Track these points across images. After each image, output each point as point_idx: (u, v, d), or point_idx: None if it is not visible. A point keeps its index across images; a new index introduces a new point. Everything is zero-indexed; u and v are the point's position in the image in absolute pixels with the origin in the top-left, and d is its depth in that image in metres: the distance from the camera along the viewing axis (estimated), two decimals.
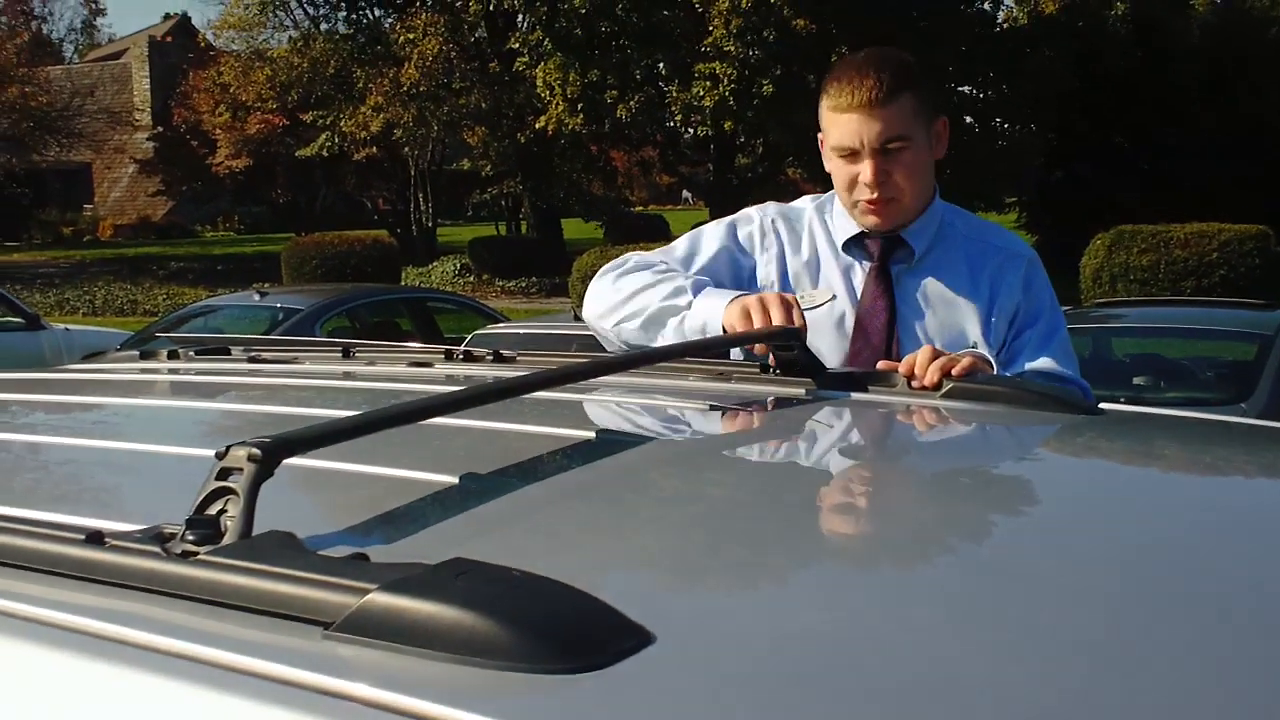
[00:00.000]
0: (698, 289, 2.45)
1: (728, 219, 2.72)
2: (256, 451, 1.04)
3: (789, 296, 2.27)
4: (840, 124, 2.47)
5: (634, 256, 2.65)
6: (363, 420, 1.27)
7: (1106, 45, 27.33)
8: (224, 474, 1.03)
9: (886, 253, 2.58)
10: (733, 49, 23.57)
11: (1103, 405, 1.83)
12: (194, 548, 0.94)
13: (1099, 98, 28.06)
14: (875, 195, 2.48)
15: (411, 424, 1.32)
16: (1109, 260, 19.09)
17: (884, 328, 2.53)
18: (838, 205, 2.64)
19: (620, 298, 2.51)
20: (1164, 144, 27.71)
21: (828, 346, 2.51)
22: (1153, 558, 1.14)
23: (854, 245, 2.60)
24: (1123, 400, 1.94)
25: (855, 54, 2.55)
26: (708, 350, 2.18)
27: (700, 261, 2.61)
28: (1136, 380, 7.78)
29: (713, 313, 2.33)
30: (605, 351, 2.63)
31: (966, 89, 27.98)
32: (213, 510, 1.01)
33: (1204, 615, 0.98)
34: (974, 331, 2.50)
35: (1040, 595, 1.01)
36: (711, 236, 2.68)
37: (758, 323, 2.18)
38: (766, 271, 2.62)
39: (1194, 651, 0.90)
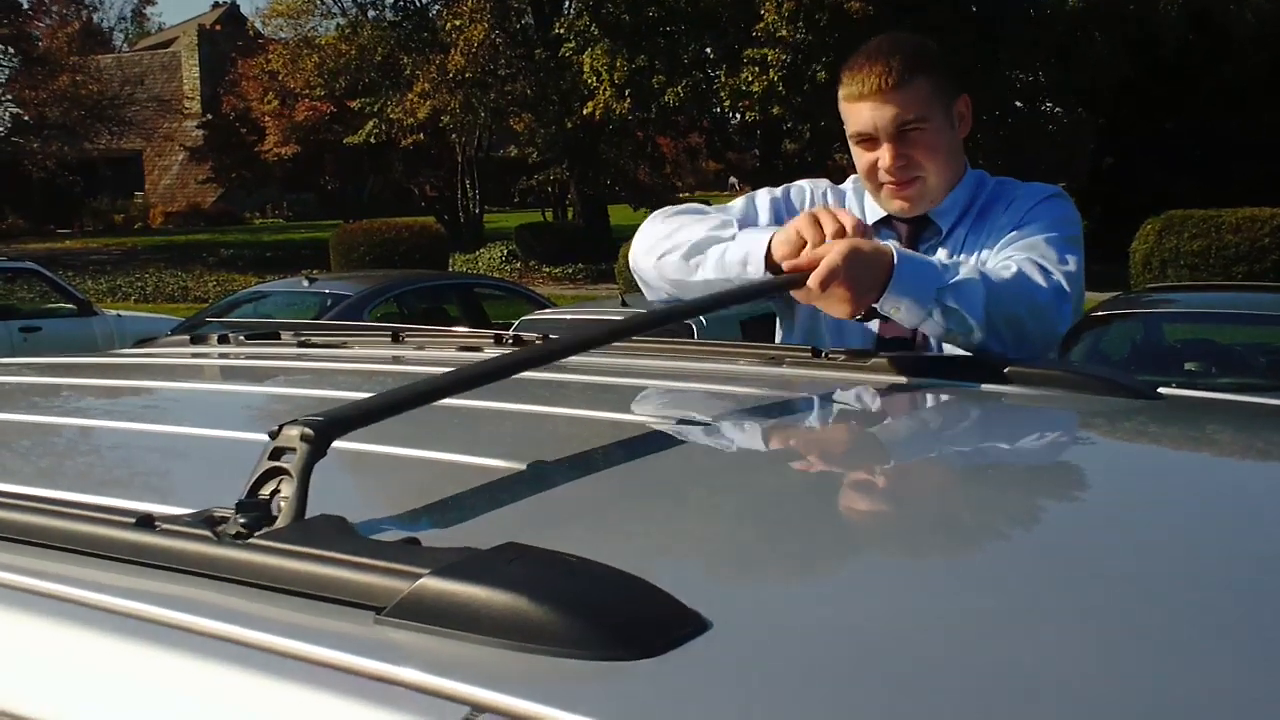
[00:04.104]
0: (744, 225, 2.47)
1: (781, 187, 2.74)
2: (309, 431, 1.03)
3: (831, 209, 2.23)
4: (855, 112, 2.48)
5: (688, 206, 2.67)
6: (416, 391, 1.26)
7: (1159, 30, 26.95)
8: (277, 454, 1.03)
9: (914, 234, 2.58)
10: (785, 33, 23.46)
11: (1160, 390, 1.80)
12: (245, 531, 0.94)
13: (1153, 86, 27.70)
14: (896, 179, 2.48)
15: (466, 400, 1.31)
16: (1159, 245, 18.94)
17: None
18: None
19: (667, 230, 2.51)
20: (1221, 137, 27.25)
21: (858, 329, 2.53)
22: (1215, 545, 1.12)
23: (883, 226, 2.59)
24: (1174, 386, 1.90)
25: (868, 42, 2.55)
26: (764, 293, 2.25)
27: (753, 217, 2.62)
28: (1188, 366, 7.70)
29: (756, 244, 2.30)
30: (654, 339, 2.62)
31: (1018, 73, 27.72)
32: (265, 491, 1.01)
33: (1271, 604, 0.96)
34: None
35: (1107, 586, 0.99)
36: (765, 196, 2.69)
37: (811, 239, 2.15)
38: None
39: (1261, 640, 0.88)
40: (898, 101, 2.42)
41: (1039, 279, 2.31)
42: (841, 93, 2.51)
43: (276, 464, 1.02)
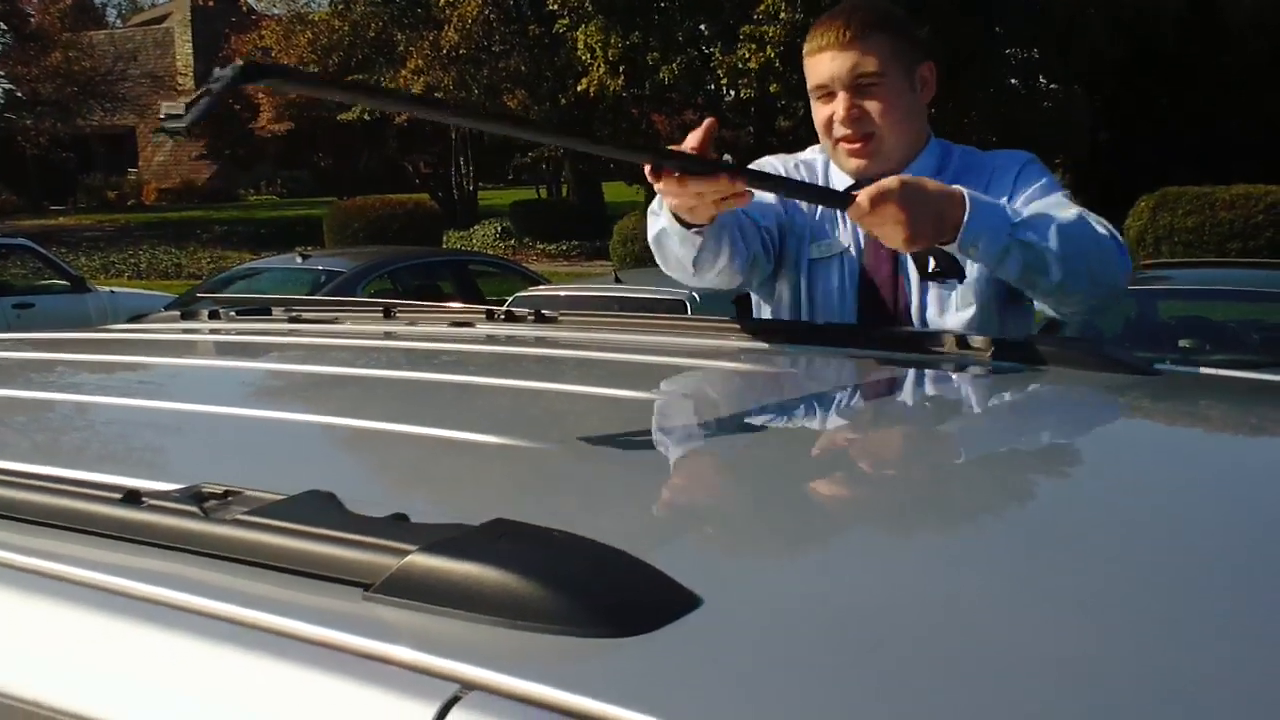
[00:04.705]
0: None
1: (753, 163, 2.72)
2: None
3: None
4: (815, 65, 2.51)
5: None
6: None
7: (1157, 12, 26.78)
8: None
9: None
10: (785, 15, 23.37)
11: (1157, 366, 1.80)
12: (232, 507, 0.93)
13: (1150, 68, 27.57)
14: (849, 131, 2.49)
15: (455, 376, 1.30)
16: (1153, 223, 18.91)
17: (890, 278, 2.53)
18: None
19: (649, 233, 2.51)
20: (1218, 119, 27.09)
21: (839, 299, 2.54)
22: (1212, 520, 1.11)
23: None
24: (1169, 363, 1.90)
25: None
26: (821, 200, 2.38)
27: None
28: (1182, 343, 7.69)
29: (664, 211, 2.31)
30: (648, 315, 2.61)
31: (1016, 51, 27.61)
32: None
33: (1271, 579, 0.95)
34: (971, 265, 2.45)
35: (1105, 563, 0.98)
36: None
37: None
38: (790, 214, 2.63)
39: (1259, 616, 0.87)
40: (855, 54, 2.44)
41: (1095, 225, 2.31)
42: (805, 48, 2.54)
43: None
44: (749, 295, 2.80)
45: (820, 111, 2.53)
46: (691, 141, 1.99)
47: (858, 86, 2.46)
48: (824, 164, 2.67)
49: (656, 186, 2.05)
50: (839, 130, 2.50)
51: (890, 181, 2.08)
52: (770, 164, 2.69)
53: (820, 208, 2.58)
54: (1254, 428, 1.64)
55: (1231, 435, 1.62)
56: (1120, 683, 0.75)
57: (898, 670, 0.76)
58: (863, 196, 2.07)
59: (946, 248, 2.17)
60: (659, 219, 2.35)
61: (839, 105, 2.47)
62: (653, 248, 2.48)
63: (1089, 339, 2.31)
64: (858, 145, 2.50)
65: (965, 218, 2.13)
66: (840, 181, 2.59)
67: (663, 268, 2.55)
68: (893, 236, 2.12)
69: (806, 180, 2.62)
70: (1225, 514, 1.15)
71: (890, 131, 2.49)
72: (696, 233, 2.26)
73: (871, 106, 2.47)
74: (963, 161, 2.59)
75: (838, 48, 2.45)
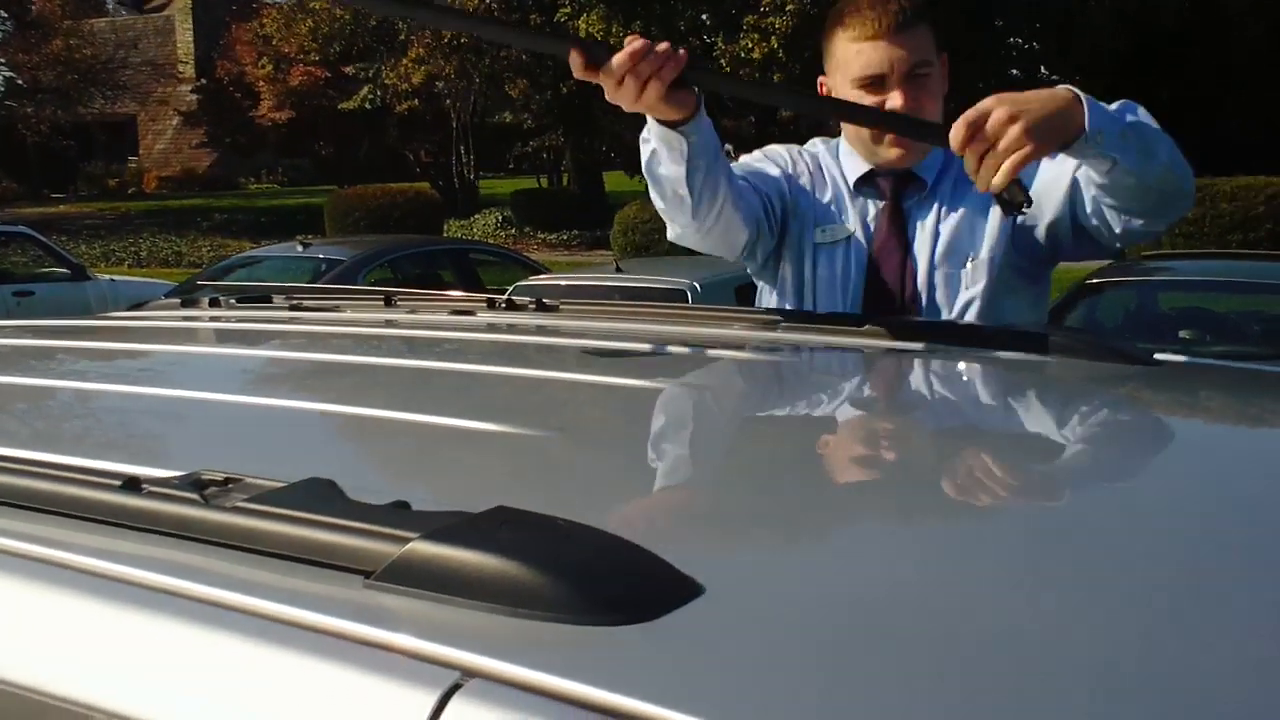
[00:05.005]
0: (747, 170, 2.53)
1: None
2: None
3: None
4: (864, 53, 2.41)
5: None
6: None
7: (1158, 1, 26.71)
8: None
9: (899, 189, 2.55)
10: (793, 5, 23.33)
11: (1157, 356, 1.79)
12: (232, 494, 0.93)
13: (1150, 57, 27.50)
14: None
15: (457, 364, 1.30)
16: None
17: (898, 266, 2.51)
18: (844, 145, 2.62)
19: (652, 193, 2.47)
20: (1218, 108, 27.00)
21: (844, 284, 2.52)
22: (1214, 509, 1.11)
23: (865, 184, 2.57)
24: (1168, 354, 1.88)
25: None
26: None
27: (753, 164, 2.63)
28: (1182, 334, 7.69)
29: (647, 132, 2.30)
30: (649, 304, 2.61)
31: (1017, 41, 27.59)
32: None
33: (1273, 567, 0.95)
34: (983, 245, 2.45)
35: (1106, 551, 0.98)
36: (758, 152, 2.71)
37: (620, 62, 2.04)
38: (794, 195, 2.61)
39: (1261, 604, 0.87)
40: (910, 43, 2.39)
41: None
42: (845, 36, 2.44)
43: None
44: (751, 285, 2.79)
45: (865, 101, 2.41)
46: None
47: (913, 77, 2.40)
48: (833, 152, 2.65)
49: (597, 81, 2.04)
50: None
51: (987, 101, 1.95)
52: (780, 154, 2.67)
53: (828, 194, 2.57)
54: (1255, 418, 1.64)
55: (1233, 425, 1.62)
56: (1123, 667, 0.75)
57: (900, 659, 0.76)
58: (960, 122, 1.94)
59: (1070, 146, 2.02)
60: (649, 143, 2.31)
61: (895, 97, 2.39)
62: (650, 184, 2.41)
63: (1090, 330, 2.30)
64: (905, 138, 2.45)
65: (1084, 103, 2.00)
66: (853, 170, 2.58)
67: (662, 209, 2.46)
68: (1013, 147, 1.91)
69: (814, 171, 2.61)
70: (1227, 502, 1.14)
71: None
72: (680, 132, 2.22)
73: (925, 98, 2.42)
74: None
75: (888, 36, 2.38)
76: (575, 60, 2.00)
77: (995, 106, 1.94)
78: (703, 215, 2.38)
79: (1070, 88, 2.05)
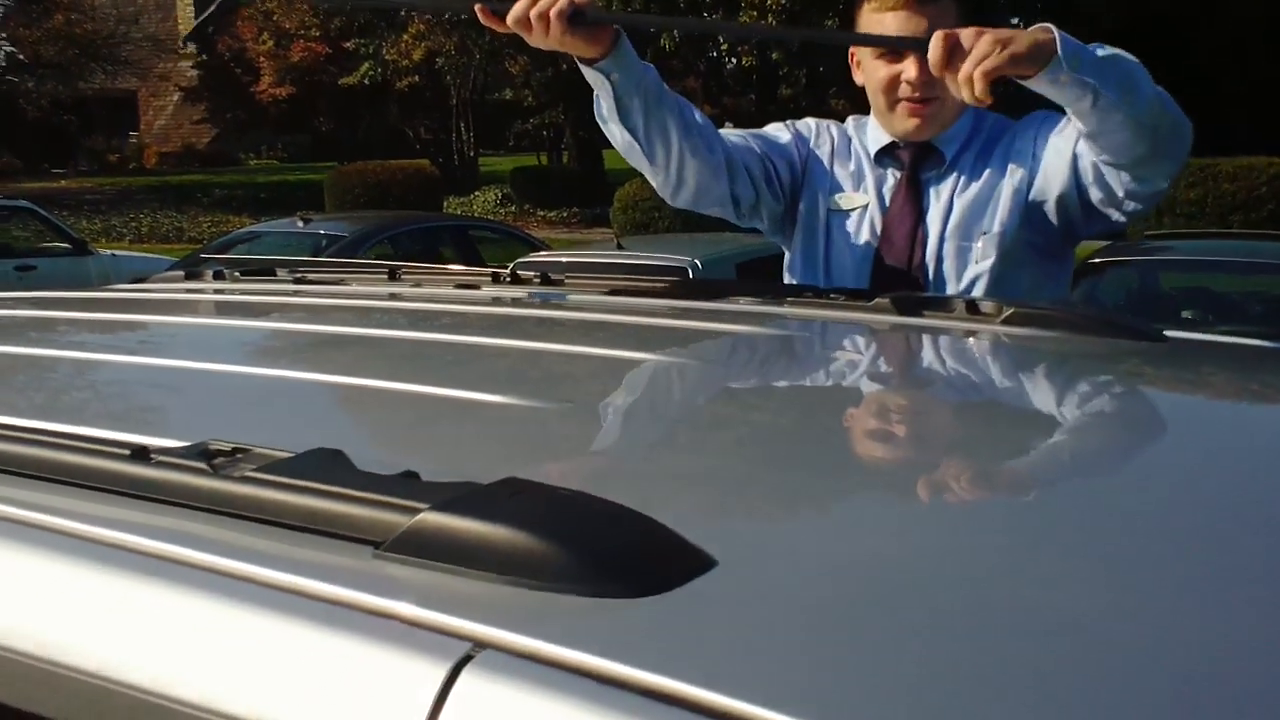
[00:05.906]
0: (765, 141, 2.62)
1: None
2: None
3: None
4: (885, 22, 2.44)
5: None
6: None
7: None
8: None
9: (917, 162, 2.57)
10: None
11: (1166, 333, 1.79)
12: (241, 464, 0.92)
13: (1149, 37, 27.41)
14: (919, 94, 2.46)
15: (465, 336, 1.29)
16: None
17: (908, 235, 2.53)
18: (871, 120, 2.64)
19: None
20: (1217, 88, 26.91)
21: (858, 253, 2.54)
22: (1224, 482, 1.11)
23: (886, 155, 2.60)
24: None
25: None
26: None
27: (772, 134, 2.69)
28: (1185, 314, 7.68)
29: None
30: (651, 279, 2.60)
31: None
32: None
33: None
34: (995, 220, 2.47)
35: (1118, 523, 0.97)
36: (778, 124, 2.74)
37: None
38: (809, 163, 2.65)
39: (1269, 574, 0.87)
40: (931, 13, 2.39)
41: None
42: (869, 5, 2.48)
43: None
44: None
45: (881, 70, 2.48)
46: None
47: None
48: (861, 125, 2.67)
49: (505, 30, 2.21)
50: (905, 90, 2.46)
51: (965, 30, 2.05)
52: (803, 125, 2.71)
53: (851, 164, 2.61)
54: (1262, 394, 1.64)
55: (1238, 400, 1.62)
56: (1134, 639, 0.75)
57: (913, 631, 0.75)
58: (938, 34, 2.04)
59: (1043, 73, 2.08)
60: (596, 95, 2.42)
61: (910, 66, 2.42)
62: (605, 133, 2.50)
63: (1098, 307, 2.30)
64: (921, 106, 2.47)
65: (1055, 32, 2.07)
66: (875, 142, 2.60)
67: (634, 165, 2.54)
68: (986, 52, 2.02)
69: (839, 142, 2.64)
70: (1243, 474, 1.14)
71: (951, 97, 2.45)
72: (599, 69, 2.33)
73: None
74: (995, 127, 2.58)
75: (910, 7, 2.40)
76: (481, 11, 2.14)
77: (977, 30, 2.04)
78: (660, 163, 2.46)
79: (1045, 25, 2.10)
